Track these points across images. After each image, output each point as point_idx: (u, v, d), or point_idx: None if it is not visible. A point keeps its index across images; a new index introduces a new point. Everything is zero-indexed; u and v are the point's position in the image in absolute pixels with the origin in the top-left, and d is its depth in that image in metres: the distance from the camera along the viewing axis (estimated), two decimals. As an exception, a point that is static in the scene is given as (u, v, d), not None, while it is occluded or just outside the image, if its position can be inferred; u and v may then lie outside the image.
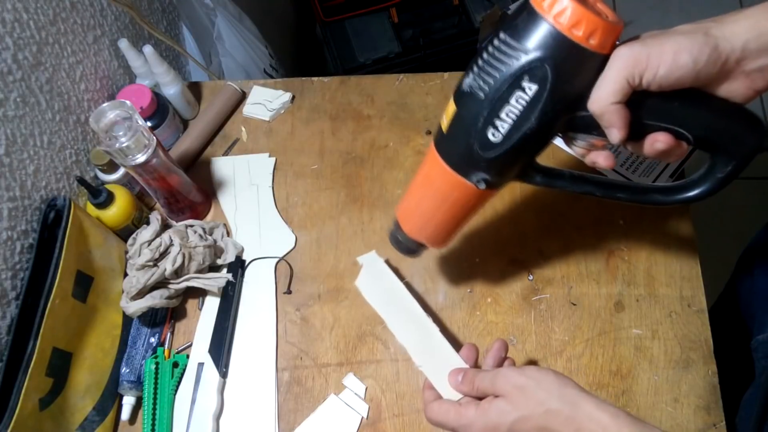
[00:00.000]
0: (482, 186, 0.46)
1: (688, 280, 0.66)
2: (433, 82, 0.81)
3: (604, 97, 0.40)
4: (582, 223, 0.70)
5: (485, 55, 0.41)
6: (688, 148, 0.43)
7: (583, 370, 0.63)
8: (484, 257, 0.70)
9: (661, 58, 0.38)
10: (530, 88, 0.40)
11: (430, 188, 0.50)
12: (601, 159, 0.46)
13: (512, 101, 0.41)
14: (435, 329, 0.56)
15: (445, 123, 0.46)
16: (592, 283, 0.67)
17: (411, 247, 0.57)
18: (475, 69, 0.42)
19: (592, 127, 0.42)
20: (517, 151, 0.43)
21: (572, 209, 0.71)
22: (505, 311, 0.67)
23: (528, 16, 0.39)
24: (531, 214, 0.71)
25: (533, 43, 0.39)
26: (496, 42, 0.41)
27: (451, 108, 0.45)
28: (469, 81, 0.43)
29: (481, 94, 0.42)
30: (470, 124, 0.43)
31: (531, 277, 0.68)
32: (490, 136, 0.43)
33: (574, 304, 0.66)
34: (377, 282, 0.62)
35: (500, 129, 0.42)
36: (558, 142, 0.50)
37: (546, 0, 0.38)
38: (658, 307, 0.65)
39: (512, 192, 0.73)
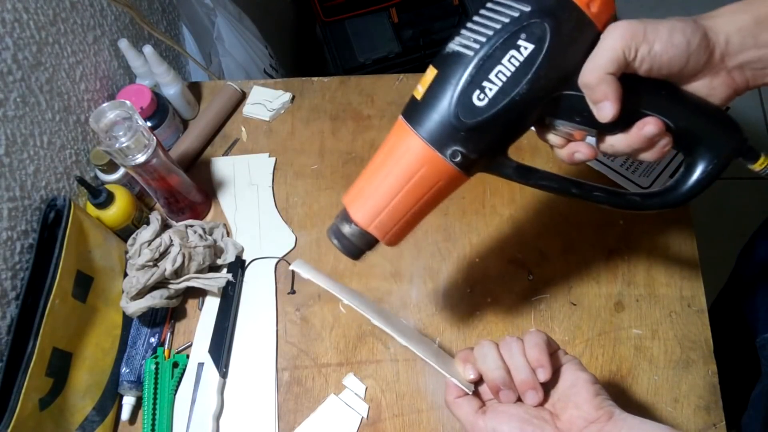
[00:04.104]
0: (456, 159, 0.42)
1: (688, 280, 0.66)
2: (433, 82, 0.81)
3: (601, 66, 0.39)
4: (582, 223, 0.70)
5: (476, 18, 0.40)
6: (672, 142, 0.43)
7: (583, 370, 0.63)
8: (484, 257, 0.70)
9: (657, 34, 0.38)
10: (526, 47, 0.38)
11: (393, 166, 0.44)
12: (582, 148, 0.44)
13: (504, 61, 0.39)
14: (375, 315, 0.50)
15: (420, 91, 0.42)
16: (592, 283, 0.67)
17: (357, 243, 0.47)
18: (464, 31, 0.40)
19: (575, 111, 0.41)
20: (500, 121, 0.41)
21: (572, 209, 0.71)
22: (505, 311, 0.67)
23: None
24: (531, 214, 0.71)
25: (532, 1, 0.38)
26: (489, 4, 0.39)
27: (430, 73, 0.41)
28: (455, 43, 0.40)
29: (470, 53, 0.39)
30: (454, 85, 0.40)
31: (531, 277, 0.68)
32: (474, 100, 0.40)
33: (574, 304, 0.66)
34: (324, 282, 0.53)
35: (487, 91, 0.40)
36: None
37: None
38: (658, 307, 0.65)
39: (512, 192, 0.73)
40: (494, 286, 0.68)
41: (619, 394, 0.61)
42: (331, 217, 0.73)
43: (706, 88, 0.41)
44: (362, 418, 0.62)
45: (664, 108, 0.42)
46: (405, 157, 0.43)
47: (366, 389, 0.64)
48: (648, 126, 0.41)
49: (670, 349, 0.63)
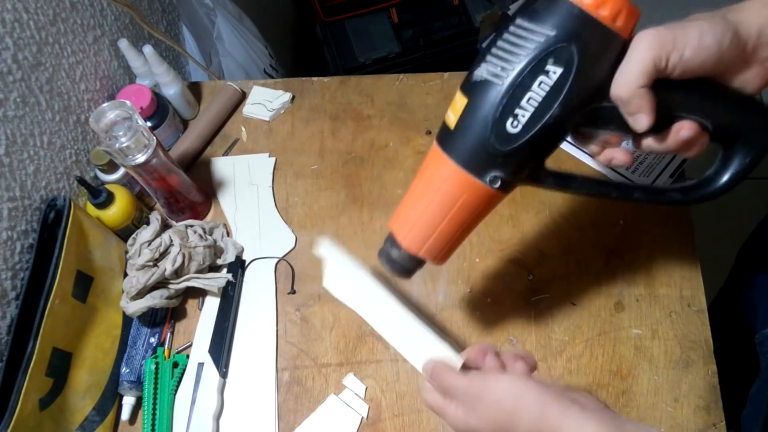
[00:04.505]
0: (496, 184, 0.43)
1: (688, 280, 0.66)
2: (433, 82, 0.81)
3: (632, 80, 0.38)
4: (582, 223, 0.70)
5: (500, 43, 0.40)
6: (708, 139, 0.43)
7: (583, 370, 0.63)
8: (484, 257, 0.70)
9: (686, 40, 0.38)
10: (555, 71, 0.38)
11: (435, 193, 0.45)
12: (618, 154, 0.44)
13: (534, 87, 0.39)
14: (410, 315, 0.51)
15: (452, 119, 0.43)
16: (592, 283, 0.67)
17: (407, 266, 0.50)
18: (489, 58, 0.40)
19: (610, 120, 0.41)
20: (536, 143, 0.41)
21: (572, 209, 0.71)
22: (505, 311, 0.67)
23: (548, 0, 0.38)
24: (531, 213, 0.71)
25: (556, 25, 0.38)
26: (512, 28, 0.39)
27: (461, 101, 0.42)
28: (482, 71, 0.41)
29: (499, 82, 0.40)
30: (486, 114, 0.40)
31: (531, 277, 0.68)
32: (508, 127, 0.40)
33: (574, 304, 0.66)
34: (344, 275, 0.56)
35: (520, 118, 0.40)
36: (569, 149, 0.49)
37: None
38: (658, 307, 0.65)
39: (512, 192, 0.72)
40: (494, 286, 0.68)
41: (619, 394, 0.61)
42: (331, 217, 0.74)
43: (739, 80, 0.41)
44: (362, 418, 0.62)
45: (699, 109, 0.42)
46: (445, 185, 0.44)
47: (366, 389, 0.64)
48: (683, 130, 0.41)
49: (670, 349, 0.63)
